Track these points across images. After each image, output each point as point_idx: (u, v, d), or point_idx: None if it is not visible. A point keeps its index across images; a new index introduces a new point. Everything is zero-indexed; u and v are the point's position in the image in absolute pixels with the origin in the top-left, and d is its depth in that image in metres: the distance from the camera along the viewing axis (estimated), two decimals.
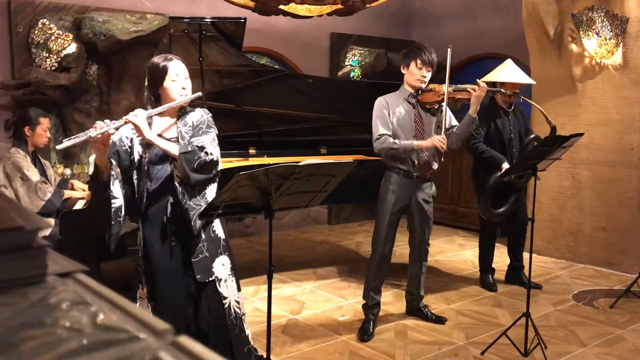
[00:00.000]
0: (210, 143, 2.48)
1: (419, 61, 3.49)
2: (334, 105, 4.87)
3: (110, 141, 2.44)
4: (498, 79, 4.28)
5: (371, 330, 3.62)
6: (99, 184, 2.50)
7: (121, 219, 2.48)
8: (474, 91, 3.48)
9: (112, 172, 2.46)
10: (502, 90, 3.91)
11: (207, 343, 2.51)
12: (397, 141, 3.46)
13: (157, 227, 2.52)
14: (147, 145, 2.50)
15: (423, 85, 3.54)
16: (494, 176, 4.17)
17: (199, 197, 2.48)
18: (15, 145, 3.84)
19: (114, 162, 2.47)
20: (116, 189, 2.47)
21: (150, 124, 2.49)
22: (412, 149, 3.49)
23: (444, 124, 3.55)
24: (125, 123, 2.38)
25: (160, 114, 2.55)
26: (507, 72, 4.28)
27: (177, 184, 2.46)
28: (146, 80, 2.60)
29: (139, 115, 2.39)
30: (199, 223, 2.48)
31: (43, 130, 3.89)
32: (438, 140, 3.42)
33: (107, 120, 2.40)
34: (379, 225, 3.66)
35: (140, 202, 2.53)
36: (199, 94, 2.62)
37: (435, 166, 3.66)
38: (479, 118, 4.35)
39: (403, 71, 3.58)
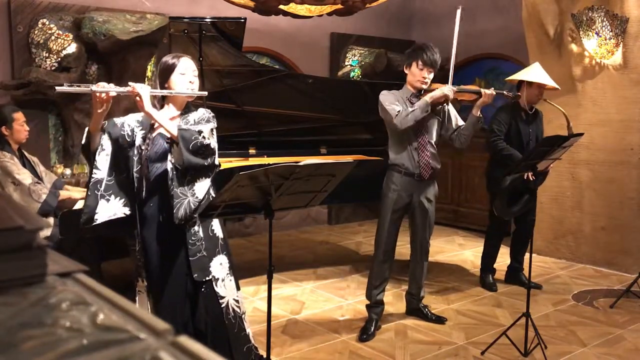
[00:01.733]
0: (208, 132, 2.45)
1: (420, 62, 3.47)
2: (334, 105, 4.87)
3: (110, 120, 2.49)
4: (526, 78, 4.26)
5: (372, 330, 3.62)
6: (89, 154, 2.49)
7: (99, 192, 2.47)
8: (484, 95, 3.48)
9: (102, 143, 2.46)
10: (504, 92, 3.85)
11: (205, 342, 2.51)
12: (413, 107, 3.45)
13: (153, 225, 2.52)
14: (148, 141, 2.51)
15: (424, 86, 3.52)
16: (514, 175, 4.15)
17: (187, 187, 2.45)
18: None
19: (106, 134, 2.47)
20: (101, 159, 2.46)
21: None
22: (427, 103, 3.43)
23: (448, 124, 3.55)
24: (129, 93, 2.37)
25: (166, 107, 2.57)
26: (534, 73, 4.24)
27: (169, 169, 2.44)
28: (156, 75, 2.61)
29: (144, 87, 2.39)
30: (180, 212, 2.42)
31: (20, 125, 3.76)
32: (449, 89, 3.42)
33: (112, 84, 2.41)
34: (381, 224, 3.66)
35: (138, 197, 2.53)
36: (205, 93, 2.62)
37: (438, 166, 3.66)
38: (501, 114, 4.35)
39: (405, 71, 3.57)
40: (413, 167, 3.56)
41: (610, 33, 4.88)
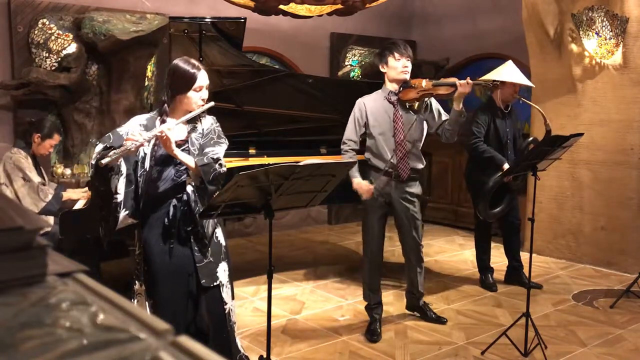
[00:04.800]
0: (223, 155, 2.53)
1: (395, 54, 3.48)
2: (334, 105, 4.86)
3: (114, 134, 2.50)
4: (498, 79, 4.26)
5: (379, 330, 3.60)
6: (105, 172, 2.46)
7: (119, 214, 2.48)
8: (460, 86, 3.30)
9: (121, 169, 2.45)
10: (482, 82, 3.64)
11: (206, 345, 2.51)
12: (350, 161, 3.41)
13: (158, 228, 2.52)
14: (153, 146, 2.50)
15: (407, 76, 3.50)
16: (494, 177, 4.18)
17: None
18: (17, 146, 3.83)
19: (122, 158, 2.47)
20: (120, 184, 2.47)
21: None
22: (358, 183, 3.49)
23: (432, 120, 3.54)
24: (157, 137, 2.39)
25: (169, 119, 2.56)
26: (508, 73, 4.26)
27: (190, 192, 2.50)
28: (169, 79, 2.56)
29: (171, 128, 2.40)
30: (210, 229, 2.56)
31: (50, 145, 3.97)
32: (365, 190, 3.45)
33: (141, 132, 2.42)
34: (366, 224, 3.67)
35: (142, 198, 2.53)
36: (212, 103, 2.59)
37: (420, 166, 3.61)
38: (480, 116, 4.37)
39: (383, 70, 3.56)
40: (390, 168, 3.52)
41: (610, 33, 4.88)
